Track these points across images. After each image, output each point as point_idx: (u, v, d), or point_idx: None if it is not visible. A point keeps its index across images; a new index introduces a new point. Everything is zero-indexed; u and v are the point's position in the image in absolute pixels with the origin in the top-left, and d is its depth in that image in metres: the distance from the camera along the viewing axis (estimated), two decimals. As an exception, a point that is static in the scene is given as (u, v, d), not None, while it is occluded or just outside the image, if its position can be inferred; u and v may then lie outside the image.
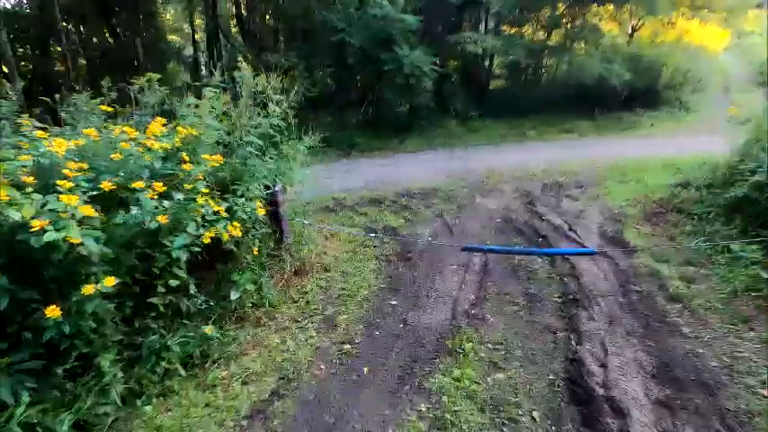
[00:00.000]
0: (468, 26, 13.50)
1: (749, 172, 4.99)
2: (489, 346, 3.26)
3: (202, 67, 14.99)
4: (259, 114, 5.36)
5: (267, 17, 12.87)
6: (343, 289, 4.22)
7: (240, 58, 11.71)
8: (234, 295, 3.24)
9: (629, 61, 12.70)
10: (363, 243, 5.40)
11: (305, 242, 4.77)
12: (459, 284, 4.25)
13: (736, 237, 4.67)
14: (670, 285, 4.07)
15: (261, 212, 3.44)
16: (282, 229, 4.37)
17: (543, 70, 15.38)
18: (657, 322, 3.54)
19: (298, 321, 3.61)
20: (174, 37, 16.81)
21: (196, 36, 13.17)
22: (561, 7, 13.83)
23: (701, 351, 3.15)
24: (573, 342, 3.30)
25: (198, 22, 15.21)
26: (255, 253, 3.65)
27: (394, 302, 3.94)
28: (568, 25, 14.20)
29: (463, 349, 3.17)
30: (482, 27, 13.70)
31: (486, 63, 14.74)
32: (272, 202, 4.19)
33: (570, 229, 5.70)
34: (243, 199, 3.42)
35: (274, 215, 4.27)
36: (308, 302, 3.94)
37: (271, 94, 5.55)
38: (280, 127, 5.47)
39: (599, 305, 3.82)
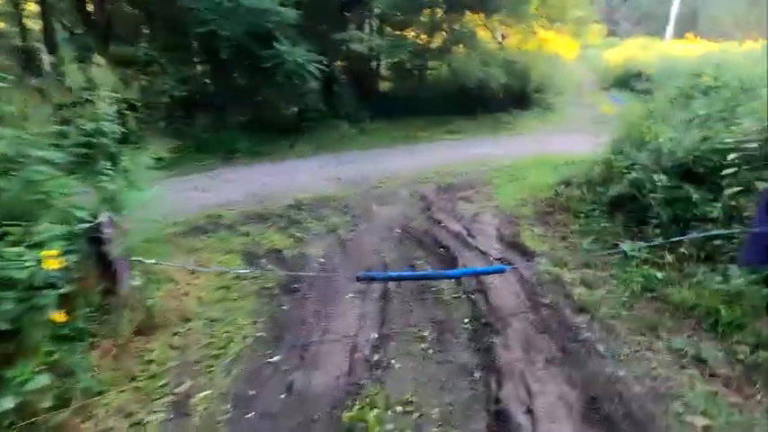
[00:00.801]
0: (353, 26, 12.86)
1: (625, 169, 5.05)
2: (398, 409, 2.53)
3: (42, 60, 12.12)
4: (81, 117, 4.00)
5: (123, 3, 10.73)
6: (207, 345, 3.16)
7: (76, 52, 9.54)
8: (7, 403, 2.02)
9: (503, 66, 13.23)
10: (240, 275, 4.35)
11: (155, 285, 3.58)
12: (357, 320, 3.48)
13: (622, 234, 4.65)
14: (574, 293, 3.79)
15: (51, 266, 2.23)
16: (116, 274, 3.15)
17: (428, 72, 15.45)
18: (572, 341, 3.17)
19: (132, 414, 2.49)
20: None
21: (25, 22, 10.45)
22: (439, 12, 13.97)
23: (621, 374, 2.80)
24: (493, 385, 2.73)
25: (30, 6, 12.28)
26: (61, 319, 2.43)
27: (275, 359, 3.01)
28: (447, 30, 14.43)
29: (366, 423, 2.40)
30: (367, 27, 13.18)
31: (374, 65, 14.32)
32: (93, 240, 2.96)
33: (470, 235, 5.31)
34: (19, 247, 2.19)
35: (99, 257, 3.04)
36: (152, 377, 2.81)
37: (100, 93, 4.21)
38: (115, 134, 4.16)
39: (512, 327, 3.35)
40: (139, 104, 9.92)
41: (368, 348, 3.10)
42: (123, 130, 4.35)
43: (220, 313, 3.60)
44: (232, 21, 9.64)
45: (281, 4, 10.04)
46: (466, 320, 3.47)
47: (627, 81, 18.25)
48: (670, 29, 26.42)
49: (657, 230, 4.23)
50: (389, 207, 6.46)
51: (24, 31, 10.69)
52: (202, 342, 3.20)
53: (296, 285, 4.06)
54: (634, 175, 4.76)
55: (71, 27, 9.88)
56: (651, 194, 4.40)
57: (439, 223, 5.70)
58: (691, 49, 19.19)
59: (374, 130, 12.11)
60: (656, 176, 4.45)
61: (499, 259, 4.64)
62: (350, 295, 3.86)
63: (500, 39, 16.39)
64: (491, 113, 13.68)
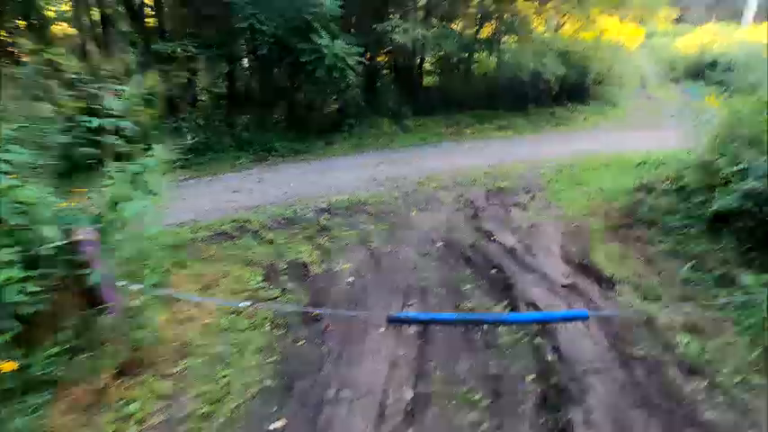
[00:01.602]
0: (396, 18, 12.00)
1: (734, 175, 3.91)
2: None
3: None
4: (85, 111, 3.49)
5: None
6: (201, 396, 2.50)
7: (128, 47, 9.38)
8: None
9: (559, 56, 11.90)
10: (254, 290, 3.70)
11: (155, 309, 2.97)
12: (387, 368, 2.69)
13: (734, 261, 3.55)
14: (678, 343, 2.80)
15: None
16: (98, 301, 2.56)
17: (475, 65, 14.32)
18: (688, 424, 2.21)
19: None
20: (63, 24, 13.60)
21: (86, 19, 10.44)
22: (489, 0, 12.81)
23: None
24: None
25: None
26: (11, 368, 1.83)
27: (278, 425, 2.29)
28: (497, 19, 13.23)
29: None
30: (411, 18, 12.28)
31: (418, 59, 13.42)
32: (68, 263, 2.37)
33: (527, 252, 4.37)
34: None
35: (77, 282, 2.45)
36: (122, 445, 2.18)
37: (107, 85, 3.69)
38: (123, 132, 3.64)
39: (594, 392, 2.44)
40: (165, 100, 9.73)
41: (399, 415, 2.31)
42: (135, 127, 3.82)
43: (225, 347, 2.94)
44: (273, 14, 9.12)
45: (321, -5, 9.40)
46: (530, 378, 2.58)
47: (700, 71, 16.18)
48: (749, 13, 23.44)
49: (794, 260, 3.11)
50: (431, 214, 5.61)
51: (82, 29, 10.69)
52: (195, 390, 2.54)
53: (318, 315, 3.34)
54: (751, 184, 3.62)
55: (116, 23, 9.76)
56: (780, 210, 3.28)
57: (489, 236, 4.79)
58: (777, 35, 16.70)
59: (417, 127, 11.24)
60: (786, 187, 3.32)
61: (567, 286, 3.68)
62: (381, 330, 3.08)
63: (554, 27, 14.95)
64: (545, 108, 12.40)
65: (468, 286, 3.72)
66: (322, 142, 10.24)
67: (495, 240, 4.68)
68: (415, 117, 11.59)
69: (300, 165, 8.73)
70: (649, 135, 10.18)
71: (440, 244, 4.65)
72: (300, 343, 3.00)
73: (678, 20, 24.36)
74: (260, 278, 3.95)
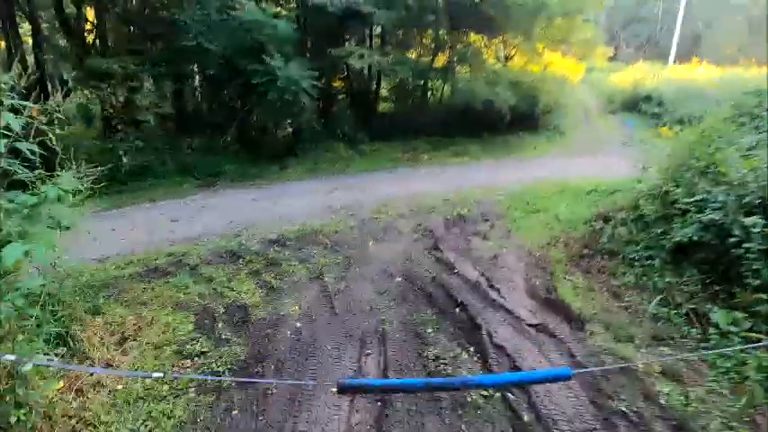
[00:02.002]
0: (352, 44, 11.90)
1: (693, 207, 3.85)
2: None
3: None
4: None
5: (101, 14, 9.68)
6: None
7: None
8: None
9: (510, 86, 12.22)
10: (182, 342, 3.10)
11: (37, 383, 2.31)
12: (339, 445, 2.21)
13: (699, 295, 3.42)
14: (659, 393, 2.54)
15: None
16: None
17: (430, 93, 14.46)
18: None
19: None
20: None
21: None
22: (443, 32, 13.05)
23: None
24: None
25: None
26: None
27: None
28: (451, 49, 13.50)
29: None
30: (367, 45, 12.22)
31: (374, 85, 13.34)
32: None
33: (491, 286, 4.07)
34: None
35: None
36: None
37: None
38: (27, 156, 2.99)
39: (580, 462, 2.08)
40: (102, 120, 8.87)
41: None
42: (41, 152, 3.16)
43: (136, 424, 2.33)
44: (221, 34, 8.64)
45: (275, 17, 9.07)
46: (507, 447, 2.20)
47: (635, 104, 17.34)
48: (673, 54, 25.78)
49: (762, 294, 2.99)
50: (389, 244, 5.23)
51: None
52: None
53: (259, 369, 2.80)
54: (710, 215, 3.55)
55: (50, 36, 8.86)
56: (743, 244, 3.18)
57: (451, 268, 4.46)
58: (698, 74, 18.38)
59: (373, 153, 11.00)
60: (747, 220, 3.24)
61: (535, 326, 3.39)
62: (332, 394, 2.59)
63: (503, 60, 15.51)
64: (499, 135, 12.62)
65: (431, 330, 3.33)
66: (275, 167, 9.71)
67: (457, 273, 4.36)
68: (372, 142, 11.36)
69: (250, 190, 8.13)
70: (594, 161, 10.53)
71: (399, 279, 4.25)
72: (234, 413, 2.44)
73: (612, 58, 26.34)
74: (191, 326, 3.35)
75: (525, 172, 9.16)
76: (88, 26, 9.61)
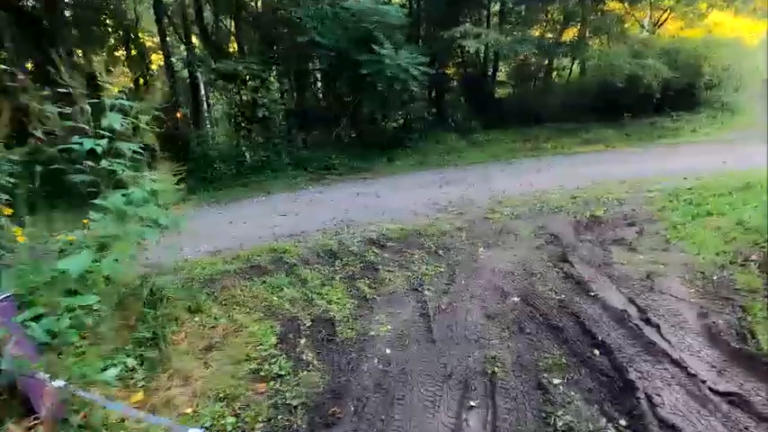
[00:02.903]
0: (468, 25, 10.88)
1: None
2: None
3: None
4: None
5: (227, 18, 10.40)
6: None
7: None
8: None
9: (663, 56, 9.87)
10: (262, 359, 2.77)
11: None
12: None
13: None
14: None
15: None
16: (23, 402, 1.75)
17: (555, 73, 12.62)
18: None
19: None
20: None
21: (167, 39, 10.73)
22: (574, 1, 11.11)
23: None
24: None
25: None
26: None
27: None
28: (583, 22, 11.45)
29: None
30: (484, 25, 11.06)
31: (491, 69, 12.08)
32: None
33: (646, 321, 2.95)
34: None
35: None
36: None
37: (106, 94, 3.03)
38: (123, 157, 2.96)
39: None
40: (228, 119, 9.48)
41: None
42: (139, 149, 3.11)
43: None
44: (334, 27, 8.51)
45: (385, 3, 8.62)
46: None
47: None
48: None
49: None
50: (504, 252, 4.34)
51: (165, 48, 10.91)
52: None
53: (336, 409, 2.30)
54: None
55: (185, 42, 9.83)
56: None
57: (586, 290, 3.41)
58: None
59: (488, 142, 9.92)
60: None
61: (725, 394, 2.25)
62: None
63: (647, 27, 12.70)
64: (642, 118, 10.38)
65: (559, 381, 2.43)
66: (384, 159, 9.36)
67: (594, 297, 3.30)
68: (486, 131, 10.28)
69: (358, 184, 7.88)
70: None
71: (515, 299, 3.38)
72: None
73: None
74: (274, 338, 3.01)
75: (682, 162, 7.23)
76: (227, 33, 10.43)
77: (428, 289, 3.63)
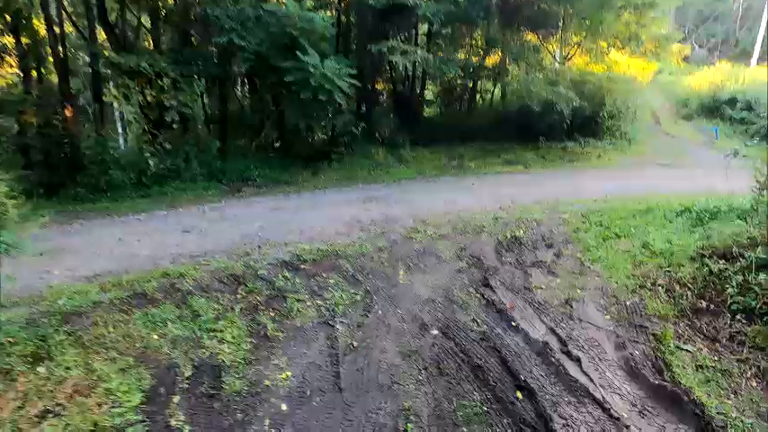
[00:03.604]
0: (398, 41, 10.82)
1: None
2: None
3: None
4: None
5: (137, 10, 9.21)
6: None
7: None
8: None
9: (573, 86, 10.59)
10: (118, 430, 2.10)
11: None
12: None
13: None
14: None
15: None
16: None
17: (479, 96, 13.06)
18: None
19: None
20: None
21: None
22: (494, 29, 11.62)
23: None
24: None
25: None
26: None
27: None
28: (503, 50, 12.01)
29: None
30: (413, 42, 11.09)
31: (419, 88, 12.18)
32: None
33: (567, 353, 2.77)
34: None
35: None
36: None
37: None
38: None
39: None
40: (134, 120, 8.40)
41: None
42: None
43: None
44: (256, 30, 7.86)
45: (310, 10, 8.19)
46: None
47: (716, 109, 14.91)
48: (756, 54, 22.51)
49: None
50: (425, 276, 4.04)
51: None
52: None
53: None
54: None
55: (83, 33, 8.50)
56: None
57: (507, 318, 3.19)
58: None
59: (414, 159, 9.81)
60: None
61: (650, 439, 2.07)
62: None
63: (558, 59, 13.72)
64: (556, 142, 10.99)
65: (477, 427, 2.10)
66: (308, 172, 8.79)
67: (515, 328, 3.08)
68: (414, 148, 10.18)
69: (277, 198, 7.22)
70: (675, 174, 8.74)
71: (435, 332, 3.05)
72: None
73: (684, 59, 23.44)
74: (139, 398, 2.34)
75: (591, 185, 7.61)
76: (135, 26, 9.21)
77: (341, 322, 3.17)
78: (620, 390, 2.45)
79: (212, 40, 7.97)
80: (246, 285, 3.86)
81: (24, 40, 8.67)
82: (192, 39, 9.12)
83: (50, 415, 2.23)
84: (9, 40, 8.84)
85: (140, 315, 3.38)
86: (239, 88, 10.64)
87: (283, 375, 2.53)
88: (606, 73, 12.71)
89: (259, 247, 4.88)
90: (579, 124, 11.47)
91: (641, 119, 14.29)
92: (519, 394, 2.39)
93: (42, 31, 9.83)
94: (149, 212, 6.52)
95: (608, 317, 3.26)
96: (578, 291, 3.66)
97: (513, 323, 3.12)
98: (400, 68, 10.18)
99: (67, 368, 2.66)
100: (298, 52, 7.63)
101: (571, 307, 3.38)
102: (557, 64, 13.39)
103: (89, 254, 4.70)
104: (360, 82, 8.59)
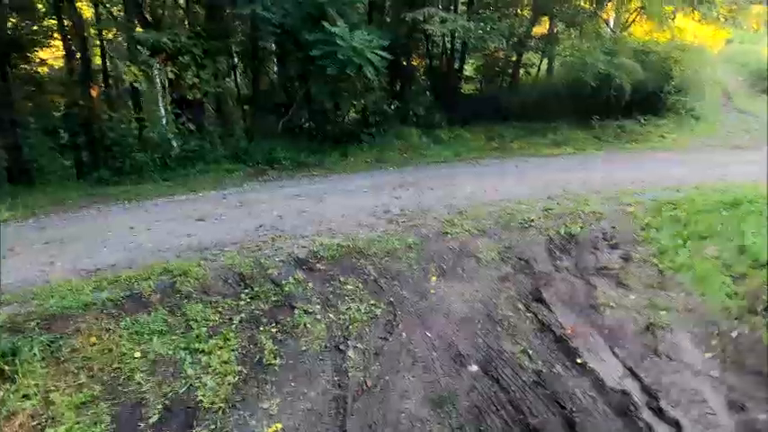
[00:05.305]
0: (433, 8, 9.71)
1: None
2: None
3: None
4: None
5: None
6: None
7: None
8: None
9: (634, 56, 9.13)
10: None
11: None
12: None
13: None
14: None
15: None
16: None
17: (523, 70, 11.71)
18: None
19: None
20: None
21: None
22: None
23: None
24: None
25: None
26: None
27: None
28: (551, 19, 10.55)
29: None
30: (452, 8, 9.93)
31: (457, 61, 11.04)
32: None
33: (657, 411, 1.95)
34: None
35: None
36: None
37: None
38: None
39: None
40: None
41: None
42: None
43: None
44: (282, 1, 7.10)
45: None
46: None
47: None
48: None
49: None
50: (462, 284, 3.27)
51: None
52: None
53: None
54: None
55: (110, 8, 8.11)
56: None
57: (570, 353, 2.39)
58: None
59: (452, 140, 8.85)
60: None
61: None
62: None
63: (612, 27, 11.98)
64: (611, 121, 9.64)
65: None
66: (336, 154, 8.09)
67: (581, 366, 2.28)
68: (451, 128, 9.20)
69: (301, 183, 6.59)
70: (755, 158, 7.29)
71: (474, 368, 2.30)
72: None
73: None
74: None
75: (656, 170, 6.43)
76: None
77: (354, 347, 2.49)
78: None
79: (235, 13, 7.30)
80: (252, 288, 3.27)
81: (66, 22, 8.44)
82: (223, 13, 8.50)
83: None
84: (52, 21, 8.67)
85: (129, 323, 2.88)
86: (271, 66, 10.01)
87: (272, 430, 1.89)
88: (673, 41, 10.97)
89: (273, 239, 4.27)
90: (638, 100, 9.99)
91: (710, 94, 12.42)
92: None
93: (87, 12, 9.50)
94: (168, 197, 6.09)
95: (708, 354, 2.38)
96: (661, 312, 2.77)
97: (579, 359, 2.32)
98: (438, 39, 9.15)
99: (25, 396, 2.17)
100: (325, 23, 6.82)
101: (655, 336, 2.52)
102: (611, 32, 11.76)
103: (96, 244, 4.27)
104: (393, 56, 7.69)
